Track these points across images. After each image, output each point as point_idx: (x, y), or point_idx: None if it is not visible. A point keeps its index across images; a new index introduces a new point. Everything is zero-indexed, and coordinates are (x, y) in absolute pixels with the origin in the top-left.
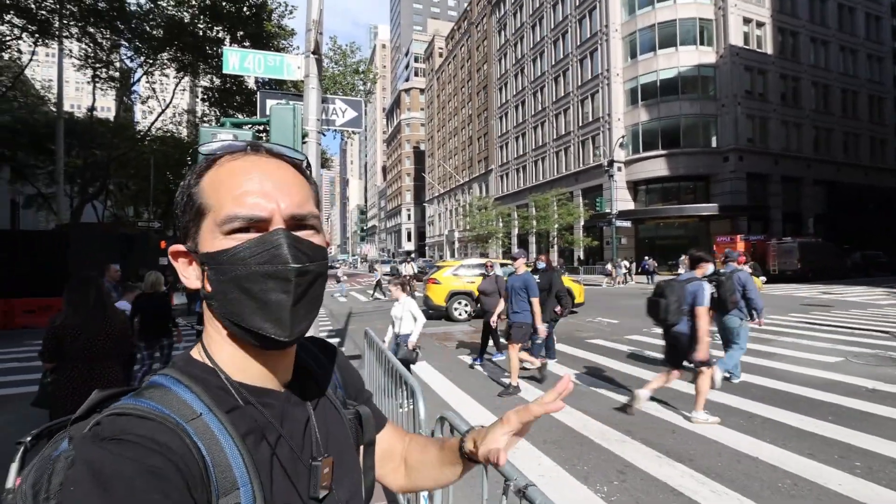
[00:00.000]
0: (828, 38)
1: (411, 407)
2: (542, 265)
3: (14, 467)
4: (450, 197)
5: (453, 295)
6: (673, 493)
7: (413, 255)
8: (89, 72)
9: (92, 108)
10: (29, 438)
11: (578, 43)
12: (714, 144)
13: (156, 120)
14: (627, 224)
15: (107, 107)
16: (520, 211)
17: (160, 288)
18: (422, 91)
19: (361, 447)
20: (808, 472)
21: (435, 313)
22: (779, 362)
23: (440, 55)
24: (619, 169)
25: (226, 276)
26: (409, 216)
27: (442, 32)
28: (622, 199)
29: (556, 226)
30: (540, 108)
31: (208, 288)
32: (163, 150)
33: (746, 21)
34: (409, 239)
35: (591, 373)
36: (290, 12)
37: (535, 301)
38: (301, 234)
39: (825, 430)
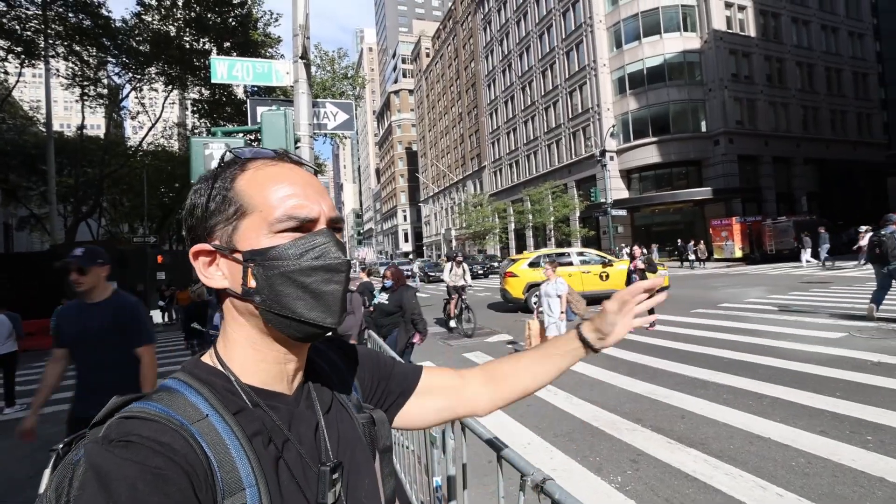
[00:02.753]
0: (809, 17)
1: None
2: (389, 283)
3: (47, 473)
4: (444, 196)
5: (531, 286)
6: (687, 479)
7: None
8: (77, 90)
9: (82, 127)
10: (62, 445)
11: (564, 36)
12: (704, 129)
13: (146, 135)
14: (623, 213)
15: (97, 124)
16: (515, 206)
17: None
18: (411, 92)
19: (378, 453)
20: (820, 449)
21: (514, 305)
22: (783, 341)
23: (427, 55)
24: (612, 158)
25: (276, 270)
26: (404, 217)
27: (428, 32)
28: (616, 189)
29: (552, 218)
30: (529, 103)
31: (252, 284)
32: (155, 164)
33: (728, 5)
34: (406, 240)
35: (598, 363)
36: (276, 20)
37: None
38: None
39: (834, 406)
